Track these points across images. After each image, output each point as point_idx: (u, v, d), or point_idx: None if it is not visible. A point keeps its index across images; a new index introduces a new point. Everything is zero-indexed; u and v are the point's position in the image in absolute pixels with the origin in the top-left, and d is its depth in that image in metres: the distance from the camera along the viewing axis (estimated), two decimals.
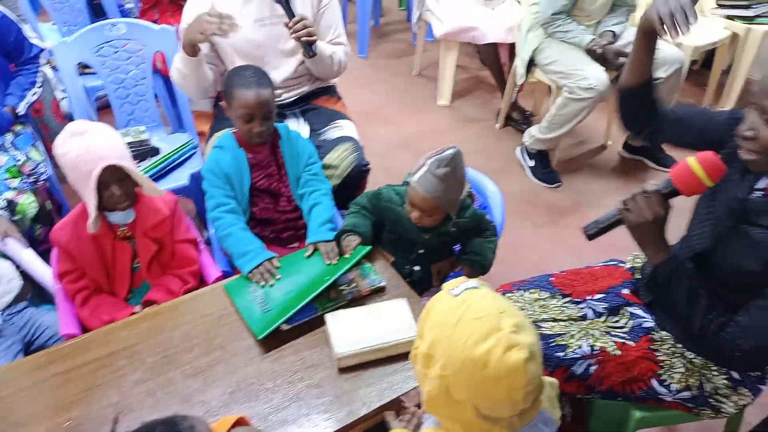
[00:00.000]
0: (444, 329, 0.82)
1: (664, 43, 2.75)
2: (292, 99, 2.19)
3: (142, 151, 2.14)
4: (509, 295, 1.51)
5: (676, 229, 1.31)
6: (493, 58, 3.39)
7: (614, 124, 3.16)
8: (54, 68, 2.51)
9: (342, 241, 1.55)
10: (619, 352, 1.32)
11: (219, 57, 2.06)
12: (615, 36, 2.67)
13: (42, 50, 2.21)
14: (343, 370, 1.28)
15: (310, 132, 2.13)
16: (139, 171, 1.49)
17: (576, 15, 2.70)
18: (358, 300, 1.44)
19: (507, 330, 0.78)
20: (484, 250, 1.62)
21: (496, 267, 1.65)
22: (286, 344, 1.34)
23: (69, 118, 2.45)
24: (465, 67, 3.96)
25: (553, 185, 2.89)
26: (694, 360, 1.30)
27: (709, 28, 3.36)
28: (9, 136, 2.10)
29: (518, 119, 3.32)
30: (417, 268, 1.63)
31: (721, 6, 3.48)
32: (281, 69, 2.11)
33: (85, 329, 1.50)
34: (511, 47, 3.25)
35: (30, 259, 1.81)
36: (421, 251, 1.61)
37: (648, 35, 1.29)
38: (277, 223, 1.78)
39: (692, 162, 1.14)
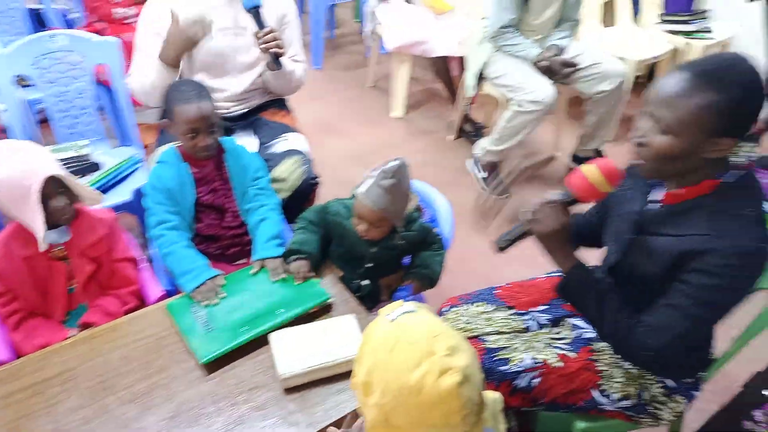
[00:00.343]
0: (380, 356, 0.81)
1: (607, 57, 2.83)
2: (241, 112, 2.16)
3: (80, 167, 2.07)
4: (455, 309, 1.52)
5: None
6: (444, 71, 3.44)
7: (562, 136, 3.23)
8: None
9: (290, 264, 1.52)
10: (560, 364, 1.34)
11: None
12: (561, 50, 2.73)
13: None
14: (289, 391, 1.26)
15: (259, 145, 2.11)
16: (79, 181, 1.45)
17: (523, 30, 2.76)
18: (305, 317, 1.42)
19: (440, 354, 0.78)
20: (432, 264, 1.63)
21: (445, 279, 1.66)
22: (228, 365, 1.31)
23: (7, 131, 2.36)
24: (418, 79, 3.99)
25: (504, 196, 2.93)
26: (630, 370, 1.33)
27: (652, 42, 3.49)
28: None
29: (470, 131, 3.36)
30: (366, 282, 1.62)
31: (663, 21, 3.62)
32: (239, 81, 2.09)
33: (17, 354, 1.44)
34: (462, 60, 3.30)
35: None
36: (370, 265, 1.60)
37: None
38: (223, 240, 1.75)
39: (590, 168, 1.18)
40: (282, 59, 1.99)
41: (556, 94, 2.65)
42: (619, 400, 1.32)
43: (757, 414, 1.33)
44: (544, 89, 2.62)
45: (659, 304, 1.18)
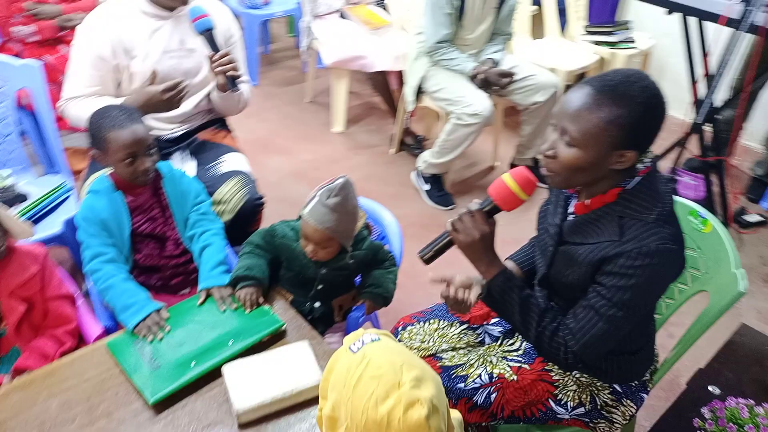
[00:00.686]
0: (345, 390, 0.79)
1: (540, 69, 2.93)
2: (179, 134, 2.09)
3: (5, 199, 1.94)
4: (409, 327, 1.51)
5: None
6: (383, 85, 3.45)
7: (500, 146, 3.31)
8: None
9: (238, 291, 1.47)
10: (516, 377, 1.35)
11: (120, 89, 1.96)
12: (496, 63, 2.80)
13: None
14: (245, 426, 1.21)
15: (198, 168, 2.04)
16: (7, 213, 1.35)
17: (458, 44, 2.81)
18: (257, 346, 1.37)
19: (407, 386, 0.76)
20: (384, 282, 1.61)
21: (397, 294, 1.65)
22: (179, 403, 1.25)
23: None
24: (357, 93, 4.00)
25: (448, 207, 2.96)
26: (581, 378, 1.36)
27: (580, 53, 3.63)
28: None
29: (411, 144, 3.39)
30: (317, 304, 1.59)
31: (588, 32, 3.77)
32: (185, 103, 2.02)
33: None
34: (400, 74, 3.33)
35: None
36: (320, 287, 1.57)
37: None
38: (165, 270, 1.68)
39: (506, 178, 1.21)
40: (237, 80, 1.96)
41: (493, 106, 2.71)
42: (574, 407, 1.34)
43: (705, 411, 1.38)
44: (481, 102, 2.67)
45: (578, 306, 1.22)
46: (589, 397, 1.35)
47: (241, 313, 1.45)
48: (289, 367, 1.28)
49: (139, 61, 1.91)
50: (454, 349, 1.44)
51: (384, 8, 3.59)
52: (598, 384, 1.36)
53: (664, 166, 2.87)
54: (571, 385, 1.35)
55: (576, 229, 1.24)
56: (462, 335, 1.47)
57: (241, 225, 1.92)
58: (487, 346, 1.45)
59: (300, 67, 4.35)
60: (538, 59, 3.36)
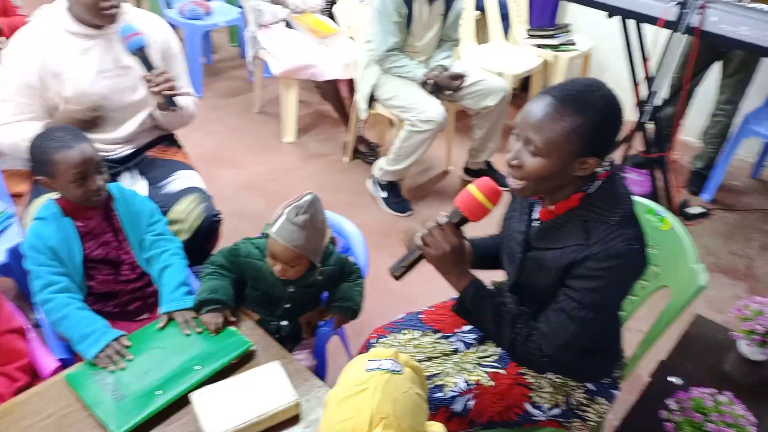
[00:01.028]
0: (333, 399, 0.81)
1: (489, 74, 2.97)
2: (127, 153, 2.01)
3: None
4: (383, 339, 1.50)
5: None
6: (334, 93, 3.43)
7: (453, 150, 3.34)
8: None
9: (203, 316, 1.42)
10: (492, 383, 1.36)
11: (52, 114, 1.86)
12: (445, 69, 2.83)
13: None
14: None
15: (149, 187, 1.97)
16: None
17: (408, 52, 2.83)
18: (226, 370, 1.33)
19: None
20: (352, 295, 1.59)
21: (364, 305, 1.63)
22: None
23: None
24: (306, 102, 3.96)
25: (406, 214, 2.96)
26: (555, 379, 1.38)
27: (524, 57, 3.71)
28: None
29: (365, 151, 3.38)
30: (285, 323, 1.56)
31: (530, 36, 3.86)
32: (127, 123, 1.96)
33: None
34: (350, 82, 3.32)
35: None
36: (288, 305, 1.54)
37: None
38: (122, 295, 1.60)
39: (473, 189, 1.23)
40: (176, 97, 1.89)
41: (446, 112, 2.74)
42: (550, 409, 1.36)
43: (670, 402, 1.42)
44: (434, 108, 2.70)
45: (549, 309, 1.25)
46: (563, 397, 1.37)
47: (207, 336, 1.40)
48: (261, 389, 1.25)
49: (71, 83, 1.82)
50: (429, 358, 1.43)
51: (331, 17, 3.57)
52: (572, 384, 1.38)
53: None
54: (546, 387, 1.37)
55: (542, 235, 1.27)
56: (436, 344, 1.47)
57: (199, 243, 1.86)
58: (461, 353, 1.45)
59: (245, 77, 4.27)
60: (484, 64, 3.42)
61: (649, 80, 2.70)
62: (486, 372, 1.38)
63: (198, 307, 1.43)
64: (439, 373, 1.38)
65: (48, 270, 1.45)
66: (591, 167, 1.16)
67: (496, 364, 1.40)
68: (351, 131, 3.31)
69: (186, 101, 2.03)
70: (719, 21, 2.30)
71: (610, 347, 1.41)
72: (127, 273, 1.60)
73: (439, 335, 1.49)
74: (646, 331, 1.55)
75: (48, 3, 1.91)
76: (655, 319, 1.53)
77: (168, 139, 2.16)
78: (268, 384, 1.26)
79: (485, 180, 1.24)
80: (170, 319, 1.44)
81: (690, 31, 2.37)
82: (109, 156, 1.96)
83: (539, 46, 3.79)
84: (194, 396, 1.23)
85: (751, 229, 3.11)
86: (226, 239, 2.00)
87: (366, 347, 1.53)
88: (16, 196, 2.16)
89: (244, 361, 1.37)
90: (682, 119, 3.23)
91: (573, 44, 3.79)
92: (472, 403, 1.33)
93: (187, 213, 1.85)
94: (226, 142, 3.53)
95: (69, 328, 1.39)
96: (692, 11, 2.33)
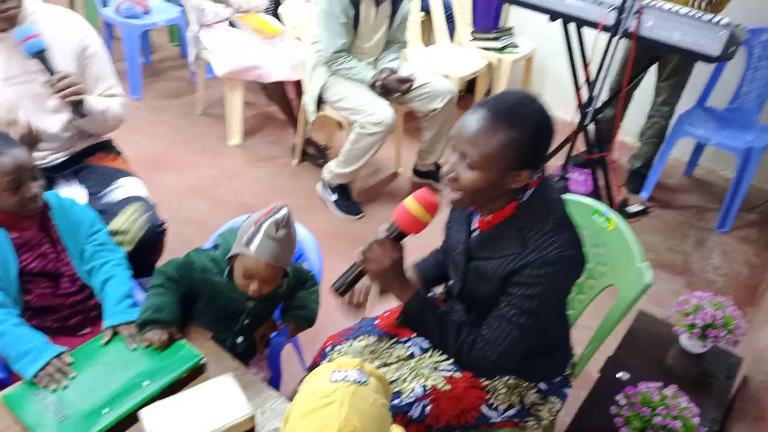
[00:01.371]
0: (296, 413, 0.79)
1: (436, 76, 3.00)
2: (61, 160, 1.91)
3: None
4: (338, 347, 1.48)
5: None
6: (280, 95, 3.39)
7: (402, 152, 3.35)
8: None
9: (146, 335, 1.35)
10: (448, 387, 1.36)
11: None
12: (393, 71, 2.83)
13: None
14: None
15: (89, 196, 1.88)
16: None
17: (355, 53, 2.82)
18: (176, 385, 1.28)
19: None
20: (308, 303, 1.56)
21: (320, 313, 1.60)
22: None
23: None
24: (252, 103, 3.88)
25: (357, 216, 2.95)
26: (508, 381, 1.40)
27: (469, 59, 3.76)
28: None
29: (314, 154, 3.34)
30: (240, 339, 1.51)
31: (475, 39, 3.92)
32: (49, 131, 1.84)
33: None
34: (298, 83, 3.28)
35: None
36: (247, 321, 1.49)
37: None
38: (61, 309, 1.52)
39: (409, 203, 1.25)
40: (89, 100, 1.80)
41: (395, 114, 2.74)
42: (506, 410, 1.38)
43: (619, 398, 1.46)
44: (384, 110, 2.69)
45: (492, 316, 1.28)
46: (518, 398, 1.39)
47: (155, 351, 1.34)
48: (214, 403, 1.21)
49: None
50: (385, 364, 1.42)
51: (276, 17, 3.51)
52: (525, 384, 1.40)
53: (556, 164, 3.04)
54: (501, 389, 1.39)
55: (482, 245, 1.29)
56: (391, 350, 1.47)
57: (143, 255, 1.77)
58: (417, 358, 1.45)
59: (187, 78, 4.16)
60: (431, 66, 3.44)
61: (590, 84, 2.79)
62: (443, 376, 1.38)
63: (141, 326, 1.37)
64: (396, 380, 1.38)
65: None
66: (524, 180, 1.19)
67: (452, 367, 1.40)
68: (299, 133, 3.27)
69: (110, 103, 1.93)
70: (654, 26, 2.39)
71: (559, 347, 1.45)
72: (67, 286, 1.52)
73: (394, 340, 1.49)
74: (594, 329, 1.59)
75: None
76: (603, 318, 1.57)
77: (107, 147, 2.07)
78: (221, 397, 1.22)
79: (424, 192, 1.25)
80: (115, 334, 1.38)
81: (628, 35, 2.46)
82: (42, 164, 1.86)
83: (484, 48, 3.85)
84: (143, 413, 1.18)
85: (686, 226, 3.26)
86: (170, 246, 1.94)
87: (321, 355, 1.51)
88: None
89: (195, 374, 1.33)
90: (622, 121, 3.36)
91: (516, 47, 3.87)
92: (429, 408, 1.34)
93: (130, 223, 1.77)
94: (168, 145, 3.42)
95: (5, 346, 1.31)
96: (629, 16, 2.41)
